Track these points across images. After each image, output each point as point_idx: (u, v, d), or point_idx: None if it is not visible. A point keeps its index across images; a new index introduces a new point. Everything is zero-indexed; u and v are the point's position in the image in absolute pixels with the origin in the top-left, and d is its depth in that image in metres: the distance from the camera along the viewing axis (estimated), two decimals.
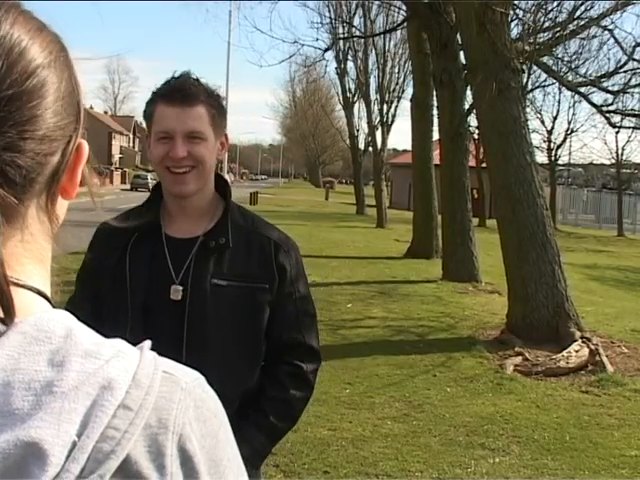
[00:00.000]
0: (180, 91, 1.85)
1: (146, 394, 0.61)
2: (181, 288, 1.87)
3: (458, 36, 11.32)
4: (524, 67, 9.94)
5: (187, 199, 1.91)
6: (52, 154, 0.64)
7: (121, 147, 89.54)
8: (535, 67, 13.69)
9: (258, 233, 1.97)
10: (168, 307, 1.86)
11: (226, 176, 2.23)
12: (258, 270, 1.93)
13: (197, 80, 1.90)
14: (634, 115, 13.29)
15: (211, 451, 0.65)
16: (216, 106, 1.90)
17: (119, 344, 0.65)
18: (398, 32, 24.08)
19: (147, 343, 0.67)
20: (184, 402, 0.64)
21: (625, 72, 12.01)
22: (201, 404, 0.66)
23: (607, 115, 12.51)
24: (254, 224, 1.99)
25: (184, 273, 1.88)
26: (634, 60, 11.37)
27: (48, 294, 0.66)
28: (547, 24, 10.67)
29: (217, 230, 1.92)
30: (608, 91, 12.22)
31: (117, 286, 1.88)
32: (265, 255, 1.94)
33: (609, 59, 15.00)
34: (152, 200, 1.98)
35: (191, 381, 0.66)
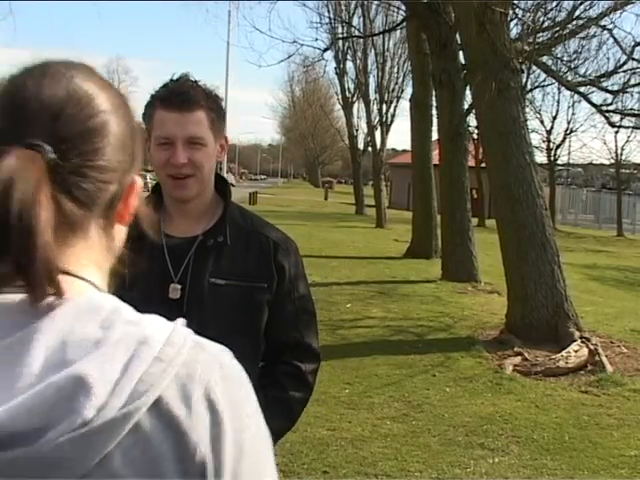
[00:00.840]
0: (179, 95, 1.85)
1: (177, 352, 0.75)
2: (179, 287, 1.88)
3: (457, 36, 11.31)
4: (523, 67, 9.94)
5: (187, 202, 1.92)
6: (110, 183, 0.81)
7: None
8: (534, 67, 13.68)
9: (257, 232, 1.97)
10: (166, 306, 1.86)
11: (227, 177, 2.24)
12: (257, 269, 1.93)
13: (196, 82, 1.90)
14: (633, 115, 13.31)
15: (233, 404, 0.78)
16: (215, 109, 1.91)
17: (157, 317, 0.80)
18: (397, 32, 24.08)
19: (181, 320, 0.81)
20: (210, 363, 0.78)
21: (624, 72, 12.02)
22: (225, 367, 0.80)
23: (606, 115, 12.51)
24: (253, 224, 2.00)
25: (183, 272, 1.89)
26: (633, 60, 11.36)
27: (102, 289, 0.83)
28: (546, 24, 10.68)
29: (216, 229, 1.93)
30: (607, 91, 12.22)
31: (116, 284, 1.88)
32: (264, 254, 1.94)
33: (608, 59, 15.03)
34: (152, 199, 1.99)
35: (218, 350, 0.81)
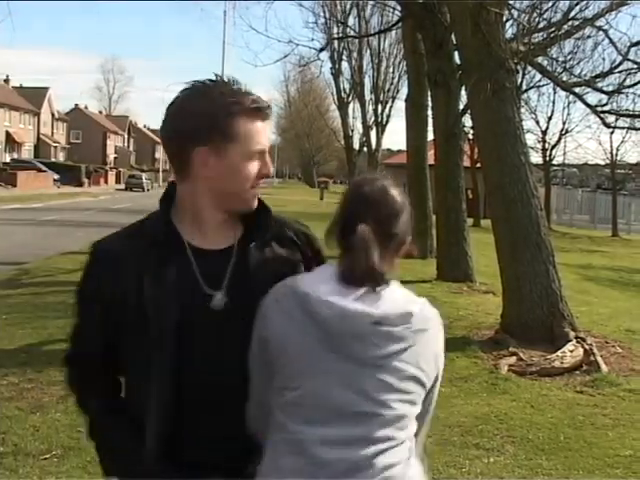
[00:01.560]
0: (263, 104, 1.76)
1: (435, 309, 1.70)
2: (220, 297, 1.76)
3: (453, 36, 11.32)
4: (519, 67, 9.96)
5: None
6: (399, 243, 1.69)
7: (116, 147, 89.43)
8: (530, 67, 13.70)
9: (287, 227, 1.90)
10: (208, 320, 1.75)
11: None
12: (292, 257, 1.86)
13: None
14: (628, 115, 13.30)
15: (442, 333, 1.72)
16: None
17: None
18: (393, 32, 24.14)
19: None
20: (434, 312, 1.70)
21: (620, 72, 12.00)
22: (438, 316, 1.71)
23: (601, 115, 12.50)
24: (283, 222, 1.91)
25: (227, 282, 1.77)
26: (629, 60, 11.35)
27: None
28: (542, 24, 10.66)
29: (250, 235, 1.83)
30: (603, 91, 12.22)
31: (141, 312, 1.71)
32: (297, 245, 1.88)
33: (604, 59, 15.01)
34: (163, 213, 1.83)
35: (435, 312, 1.71)
